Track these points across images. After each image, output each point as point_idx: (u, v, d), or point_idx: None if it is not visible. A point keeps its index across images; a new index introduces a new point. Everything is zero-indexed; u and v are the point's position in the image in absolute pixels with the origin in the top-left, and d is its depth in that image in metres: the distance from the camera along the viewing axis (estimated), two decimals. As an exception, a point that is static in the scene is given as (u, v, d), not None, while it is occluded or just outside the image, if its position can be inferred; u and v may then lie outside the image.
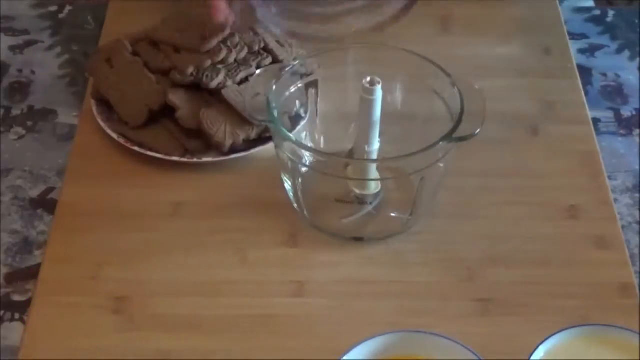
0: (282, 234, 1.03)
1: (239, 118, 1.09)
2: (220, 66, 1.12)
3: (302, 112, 1.09)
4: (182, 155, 1.09)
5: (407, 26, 1.09)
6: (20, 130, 2.31)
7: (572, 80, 1.22)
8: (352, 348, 0.85)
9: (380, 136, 1.02)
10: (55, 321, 0.95)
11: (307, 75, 1.07)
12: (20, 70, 2.45)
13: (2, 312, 1.91)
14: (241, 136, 1.09)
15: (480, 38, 1.27)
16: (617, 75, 2.45)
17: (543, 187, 1.09)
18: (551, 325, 0.88)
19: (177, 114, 1.10)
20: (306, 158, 1.02)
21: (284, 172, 1.02)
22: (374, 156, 1.02)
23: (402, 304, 0.97)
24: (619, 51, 2.49)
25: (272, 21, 1.05)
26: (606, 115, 2.37)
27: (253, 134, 1.10)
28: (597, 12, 2.54)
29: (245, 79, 1.13)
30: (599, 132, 2.14)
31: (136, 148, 1.09)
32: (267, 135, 1.09)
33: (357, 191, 1.04)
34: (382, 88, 0.99)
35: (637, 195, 2.17)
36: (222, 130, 1.09)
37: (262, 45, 1.16)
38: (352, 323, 0.95)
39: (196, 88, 1.12)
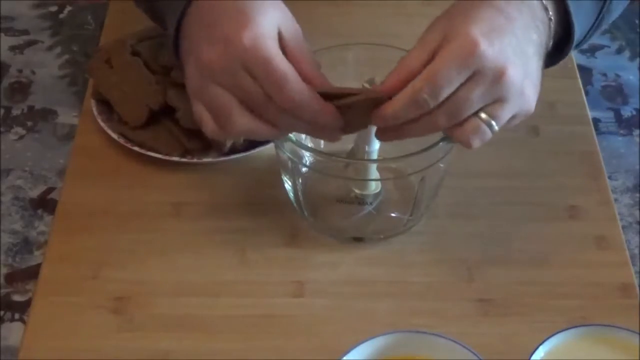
0: (282, 234, 1.03)
1: (239, 118, 1.09)
2: (220, 66, 1.12)
3: (302, 112, 1.09)
4: (182, 155, 1.09)
5: (407, 26, 1.09)
6: (20, 130, 2.31)
7: (572, 80, 1.22)
8: (352, 348, 0.85)
9: (380, 136, 1.02)
10: (55, 321, 0.95)
11: (307, 75, 1.07)
12: (20, 70, 2.46)
13: (2, 312, 1.91)
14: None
15: (480, 38, 1.27)
16: (617, 75, 2.45)
17: (543, 187, 1.09)
18: (551, 325, 0.88)
19: (177, 114, 1.10)
20: (306, 158, 1.02)
21: (284, 172, 1.02)
22: (374, 156, 1.02)
23: (402, 304, 0.97)
24: (619, 51, 2.49)
25: None
26: (606, 115, 2.37)
27: (253, 134, 1.10)
28: (597, 12, 2.54)
29: (246, 79, 1.13)
30: (599, 132, 2.14)
31: (136, 148, 1.09)
32: (267, 135, 1.09)
33: (357, 191, 1.03)
34: (382, 88, 0.99)
35: (637, 195, 2.17)
36: (222, 130, 1.08)
37: (262, 45, 1.16)
38: (352, 323, 0.95)
39: (196, 88, 1.12)
